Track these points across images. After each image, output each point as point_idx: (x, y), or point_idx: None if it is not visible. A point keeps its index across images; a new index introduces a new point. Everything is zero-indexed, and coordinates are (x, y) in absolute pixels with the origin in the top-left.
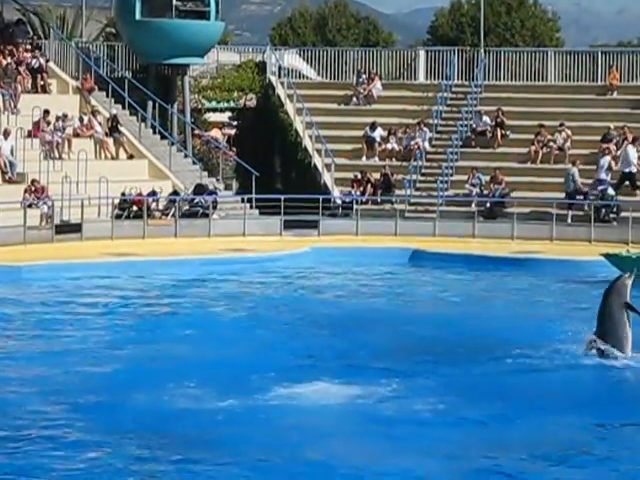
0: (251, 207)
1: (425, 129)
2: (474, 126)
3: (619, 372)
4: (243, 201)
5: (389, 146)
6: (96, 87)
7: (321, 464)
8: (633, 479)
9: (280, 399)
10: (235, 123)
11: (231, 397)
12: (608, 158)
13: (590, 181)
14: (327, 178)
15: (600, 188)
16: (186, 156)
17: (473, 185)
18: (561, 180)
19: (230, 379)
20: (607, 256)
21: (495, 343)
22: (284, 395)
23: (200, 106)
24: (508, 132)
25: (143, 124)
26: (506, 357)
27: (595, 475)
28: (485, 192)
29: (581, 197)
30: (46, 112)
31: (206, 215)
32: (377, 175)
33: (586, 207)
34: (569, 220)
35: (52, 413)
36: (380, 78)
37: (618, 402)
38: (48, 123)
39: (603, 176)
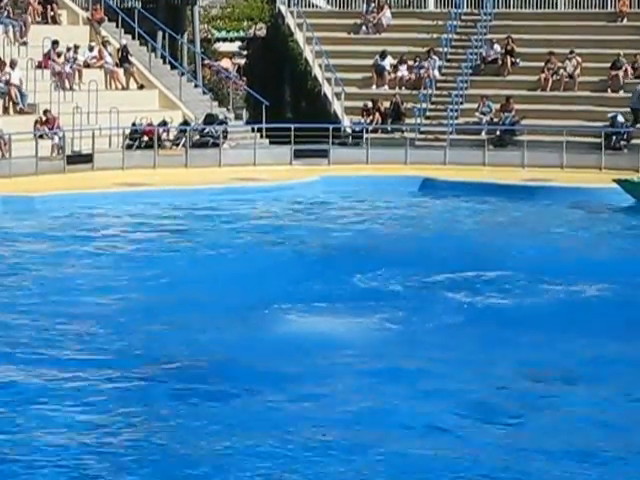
0: (261, 136)
1: (435, 57)
2: (484, 54)
3: None
4: (253, 130)
5: (399, 74)
6: (106, 18)
7: (321, 388)
8: None
9: (286, 326)
10: (245, 53)
11: (236, 324)
12: None
13: (601, 109)
14: (337, 107)
15: (610, 115)
16: (196, 86)
17: (483, 113)
18: (571, 108)
19: (238, 306)
20: (619, 182)
21: (505, 270)
22: (289, 322)
23: (210, 36)
24: (518, 60)
25: (153, 54)
26: (520, 285)
27: None
28: (495, 120)
29: None
30: (56, 43)
31: (216, 145)
32: (387, 104)
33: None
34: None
35: (60, 341)
36: (389, 6)
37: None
38: (59, 54)
39: None
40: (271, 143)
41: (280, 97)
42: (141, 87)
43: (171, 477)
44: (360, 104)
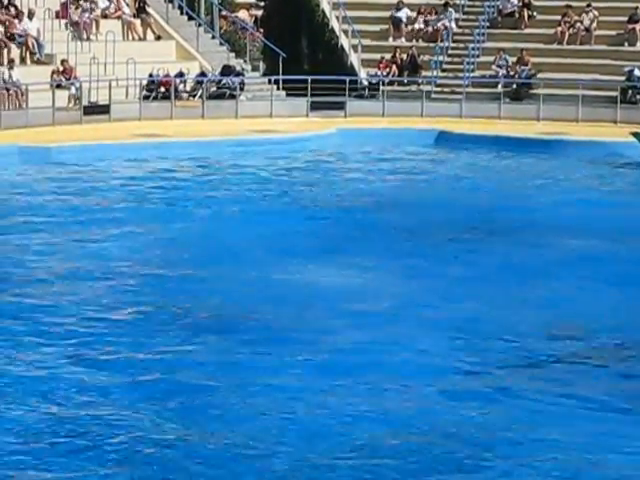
0: (278, 88)
1: (451, 10)
2: (501, 7)
3: None
4: (270, 82)
5: (416, 27)
6: None
7: (331, 337)
8: None
9: (299, 279)
10: (262, 4)
11: (249, 276)
12: None
13: (617, 63)
14: (354, 59)
15: (626, 69)
16: (213, 37)
17: (499, 66)
18: (587, 61)
19: (252, 258)
20: (636, 135)
21: (520, 224)
22: (302, 276)
23: None
24: (535, 13)
25: (170, 5)
26: (531, 239)
27: None
28: (511, 73)
29: None
30: None
31: (233, 96)
32: (404, 56)
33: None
34: None
35: (83, 294)
36: None
37: None
38: (76, 5)
39: None
40: (288, 95)
41: (297, 49)
42: (158, 38)
43: (202, 423)
44: (377, 56)
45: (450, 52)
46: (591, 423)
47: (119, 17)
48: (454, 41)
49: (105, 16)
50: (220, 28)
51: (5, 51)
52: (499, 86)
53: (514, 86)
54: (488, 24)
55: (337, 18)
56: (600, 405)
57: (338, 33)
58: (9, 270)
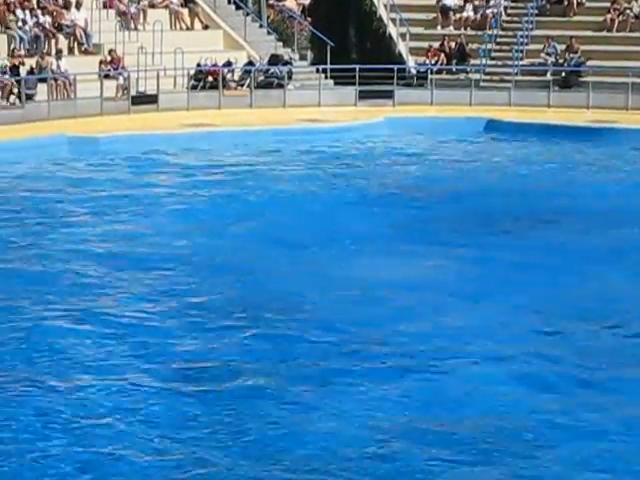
0: (326, 77)
1: None
2: None
3: None
4: (318, 71)
5: (464, 15)
6: None
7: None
8: None
9: (352, 267)
10: None
11: (301, 266)
12: None
13: None
14: (402, 48)
15: None
16: (261, 26)
17: (548, 54)
18: (636, 48)
19: (302, 248)
20: None
21: (572, 212)
22: (356, 263)
23: None
24: (584, 0)
25: None
26: (582, 226)
27: None
28: (560, 61)
29: None
30: None
31: (281, 85)
32: (452, 44)
33: None
34: None
35: (131, 285)
36: None
37: None
38: None
39: None
40: (336, 84)
41: (345, 38)
42: (206, 27)
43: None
44: (425, 45)
45: (499, 40)
46: None
47: (167, 6)
48: (503, 29)
49: (152, 6)
50: (268, 17)
51: (53, 41)
52: (548, 74)
53: (563, 74)
54: (537, 11)
55: (385, 6)
56: None
57: (386, 21)
58: (63, 259)
